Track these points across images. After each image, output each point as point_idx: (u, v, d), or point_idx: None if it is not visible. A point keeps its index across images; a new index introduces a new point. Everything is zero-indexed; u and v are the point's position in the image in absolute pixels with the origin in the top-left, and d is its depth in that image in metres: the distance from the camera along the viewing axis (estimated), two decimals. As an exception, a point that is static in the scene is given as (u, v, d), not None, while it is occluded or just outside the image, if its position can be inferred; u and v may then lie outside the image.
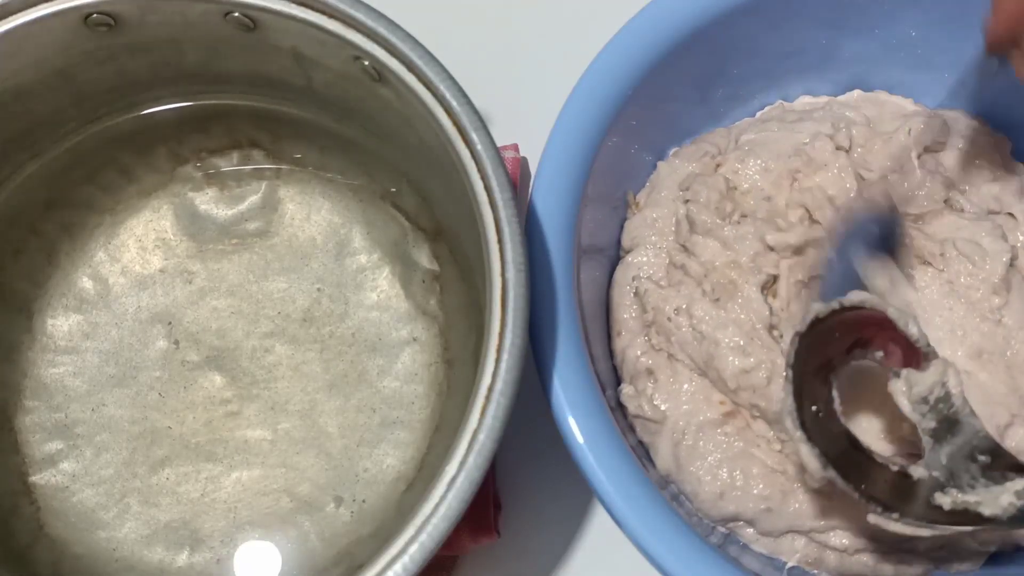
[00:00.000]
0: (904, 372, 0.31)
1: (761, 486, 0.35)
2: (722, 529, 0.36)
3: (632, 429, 0.38)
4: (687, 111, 0.42)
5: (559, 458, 0.37)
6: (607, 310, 0.40)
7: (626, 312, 0.39)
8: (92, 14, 0.33)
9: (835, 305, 0.32)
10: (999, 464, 0.30)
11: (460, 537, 0.38)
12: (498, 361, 0.29)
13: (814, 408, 0.32)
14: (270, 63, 0.36)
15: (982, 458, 0.30)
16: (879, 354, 0.33)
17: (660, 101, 0.40)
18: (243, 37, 0.34)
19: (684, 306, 0.37)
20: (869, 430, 0.35)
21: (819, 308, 0.32)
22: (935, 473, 0.31)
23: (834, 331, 0.32)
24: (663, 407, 0.36)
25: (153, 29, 0.35)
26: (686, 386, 0.36)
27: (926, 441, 0.31)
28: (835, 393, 0.33)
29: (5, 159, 0.38)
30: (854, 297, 0.32)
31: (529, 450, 0.42)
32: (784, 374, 0.32)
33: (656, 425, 0.36)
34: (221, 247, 0.40)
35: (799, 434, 0.31)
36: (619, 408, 0.38)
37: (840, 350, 0.34)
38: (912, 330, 0.31)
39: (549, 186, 0.36)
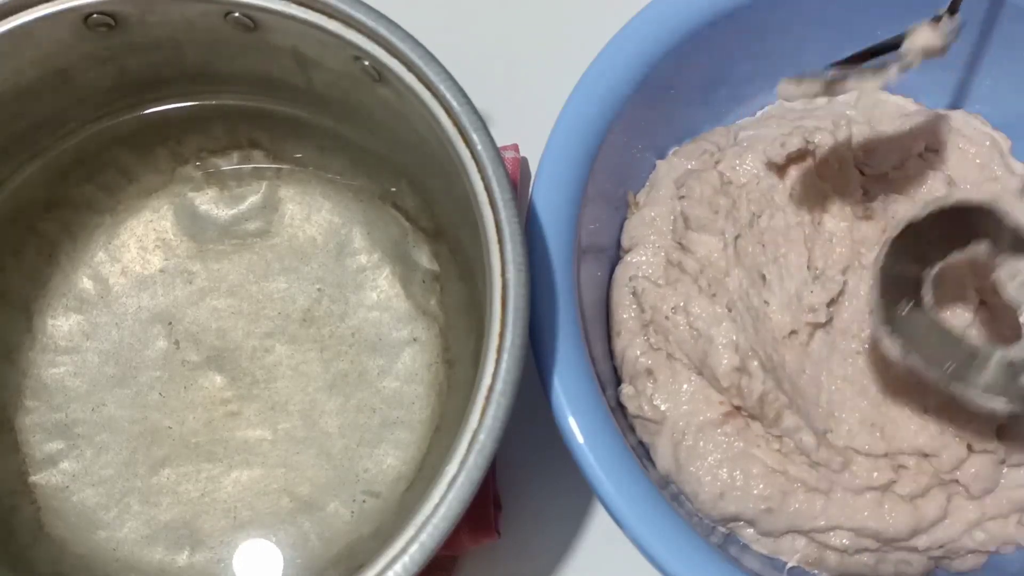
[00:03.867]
0: (1008, 261, 0.32)
1: (761, 486, 0.35)
2: (722, 529, 0.36)
3: (632, 429, 0.38)
4: (688, 111, 0.42)
5: (559, 458, 0.37)
6: (607, 310, 0.40)
7: (625, 312, 0.39)
8: (92, 14, 0.33)
9: (932, 208, 0.32)
10: None
11: (460, 537, 0.38)
12: (498, 361, 0.29)
13: (903, 303, 0.33)
14: (270, 63, 0.36)
15: None
16: (982, 247, 0.33)
17: (661, 101, 0.40)
18: (243, 37, 0.34)
19: (681, 304, 0.37)
20: (960, 322, 0.36)
21: (915, 214, 0.33)
22: None
23: (928, 233, 0.33)
24: (663, 407, 0.36)
25: (153, 29, 0.35)
26: (685, 386, 0.36)
27: None
28: (927, 289, 0.33)
29: (5, 159, 0.38)
30: (950, 199, 0.32)
31: (529, 450, 0.42)
32: (874, 274, 0.33)
33: (656, 425, 0.36)
34: (221, 247, 0.40)
35: (883, 328, 0.32)
36: (619, 408, 0.38)
37: (936, 251, 0.34)
38: (1017, 217, 0.31)
39: (549, 186, 0.36)
